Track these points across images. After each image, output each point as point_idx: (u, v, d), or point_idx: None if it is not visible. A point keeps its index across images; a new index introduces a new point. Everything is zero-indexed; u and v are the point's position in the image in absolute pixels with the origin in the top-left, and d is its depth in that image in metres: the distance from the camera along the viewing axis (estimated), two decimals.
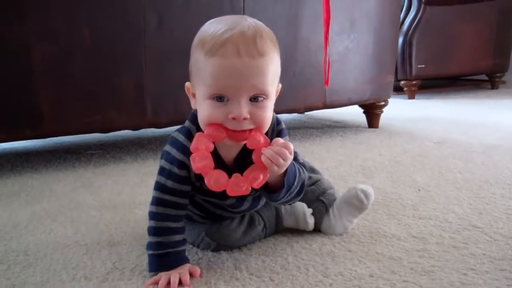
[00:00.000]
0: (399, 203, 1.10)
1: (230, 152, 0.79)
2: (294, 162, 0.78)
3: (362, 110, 2.08)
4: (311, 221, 0.92)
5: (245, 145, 0.78)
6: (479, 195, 1.15)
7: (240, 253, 0.86)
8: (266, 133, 0.81)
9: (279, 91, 0.81)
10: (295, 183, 0.77)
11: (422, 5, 2.98)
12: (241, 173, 0.73)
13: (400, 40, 2.95)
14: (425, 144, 1.74)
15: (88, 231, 0.98)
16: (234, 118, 0.71)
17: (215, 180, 0.71)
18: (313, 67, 1.74)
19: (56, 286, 0.76)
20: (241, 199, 0.84)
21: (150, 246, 0.79)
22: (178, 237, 0.79)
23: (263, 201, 0.89)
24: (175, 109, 1.50)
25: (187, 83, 0.79)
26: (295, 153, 0.83)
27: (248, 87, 0.71)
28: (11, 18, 1.31)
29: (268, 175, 0.73)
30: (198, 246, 0.88)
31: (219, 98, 0.72)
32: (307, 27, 1.72)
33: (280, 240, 0.91)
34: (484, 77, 3.50)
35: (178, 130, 0.82)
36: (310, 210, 0.93)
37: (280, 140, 0.74)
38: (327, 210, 0.93)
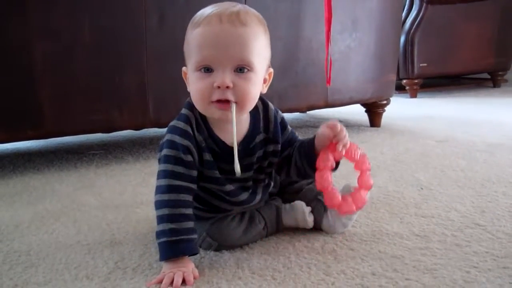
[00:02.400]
0: (401, 201, 1.10)
1: (229, 136, 0.79)
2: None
3: (364, 109, 2.08)
4: (310, 219, 0.92)
5: (250, 129, 0.83)
6: (481, 193, 1.14)
7: (242, 252, 0.86)
8: (267, 127, 0.85)
9: (272, 76, 0.84)
10: None
11: (424, 4, 2.97)
12: (242, 157, 0.80)
13: (402, 39, 2.95)
14: (427, 142, 1.73)
15: (90, 231, 0.98)
16: (218, 87, 0.74)
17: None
18: (315, 66, 1.73)
19: (58, 286, 0.76)
20: (240, 188, 0.85)
21: (163, 233, 0.77)
22: (190, 224, 0.78)
23: (259, 196, 0.89)
24: (177, 108, 1.49)
25: (183, 68, 0.82)
26: (294, 133, 0.90)
27: (230, 56, 0.74)
28: (13, 16, 1.31)
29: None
30: (200, 247, 0.88)
31: (206, 69, 0.75)
32: (309, 26, 1.72)
33: (282, 239, 0.91)
34: (486, 75, 3.49)
35: (176, 118, 0.84)
36: (309, 208, 0.93)
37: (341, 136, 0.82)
38: (325, 209, 0.93)
